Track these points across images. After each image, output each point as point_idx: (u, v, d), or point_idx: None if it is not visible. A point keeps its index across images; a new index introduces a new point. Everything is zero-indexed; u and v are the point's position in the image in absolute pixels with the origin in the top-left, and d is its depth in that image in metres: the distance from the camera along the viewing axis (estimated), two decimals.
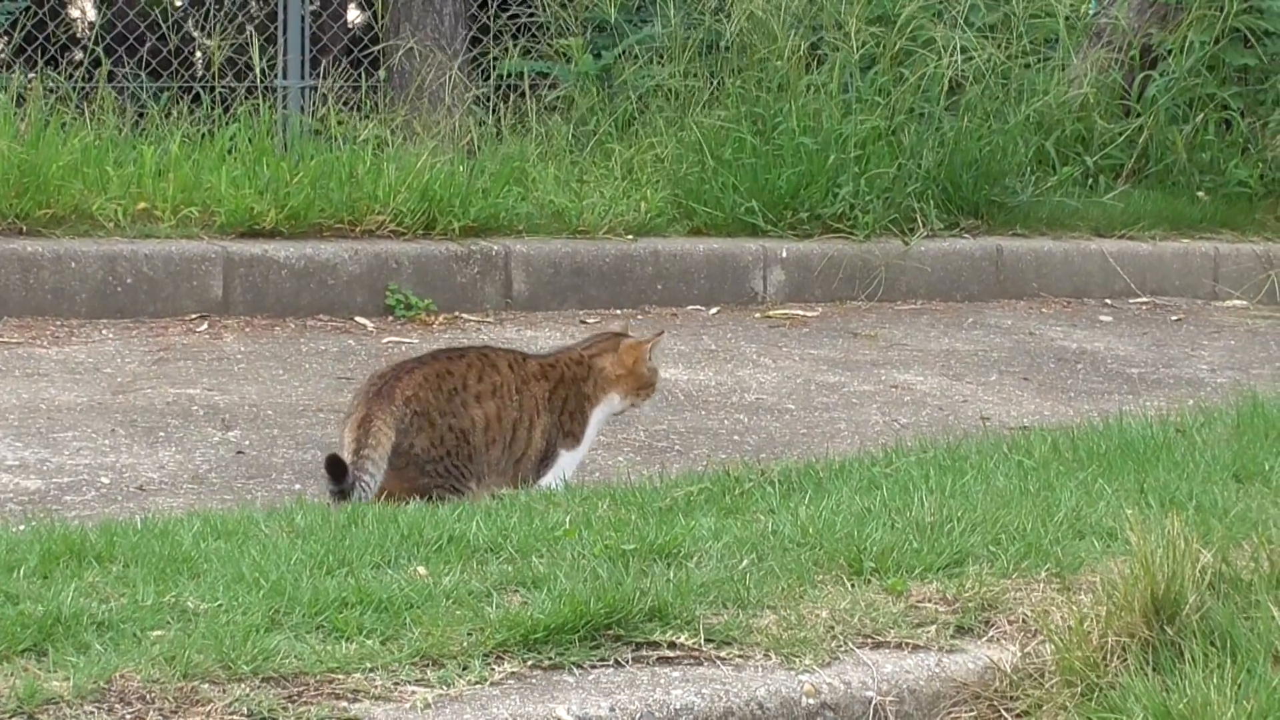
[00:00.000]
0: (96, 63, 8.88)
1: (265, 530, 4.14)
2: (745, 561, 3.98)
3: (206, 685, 3.29)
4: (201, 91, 9.11)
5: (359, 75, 9.72)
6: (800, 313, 8.27)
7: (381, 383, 4.92)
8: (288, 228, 7.80)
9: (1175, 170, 9.74)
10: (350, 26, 11.20)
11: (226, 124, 8.39)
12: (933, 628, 3.81)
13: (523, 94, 9.22)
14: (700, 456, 5.84)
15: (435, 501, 4.68)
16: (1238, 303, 9.09)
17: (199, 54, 10.68)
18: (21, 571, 3.72)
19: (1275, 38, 9.84)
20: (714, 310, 8.25)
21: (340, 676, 3.38)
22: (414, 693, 3.36)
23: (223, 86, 9.06)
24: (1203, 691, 3.51)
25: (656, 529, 4.12)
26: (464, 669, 3.46)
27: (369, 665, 3.42)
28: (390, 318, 7.71)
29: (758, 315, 8.20)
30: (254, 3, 10.80)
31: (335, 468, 4.69)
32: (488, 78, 9.62)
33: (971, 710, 3.71)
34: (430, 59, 9.44)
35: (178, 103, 8.72)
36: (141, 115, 8.66)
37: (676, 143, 8.82)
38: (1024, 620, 3.85)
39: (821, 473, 4.77)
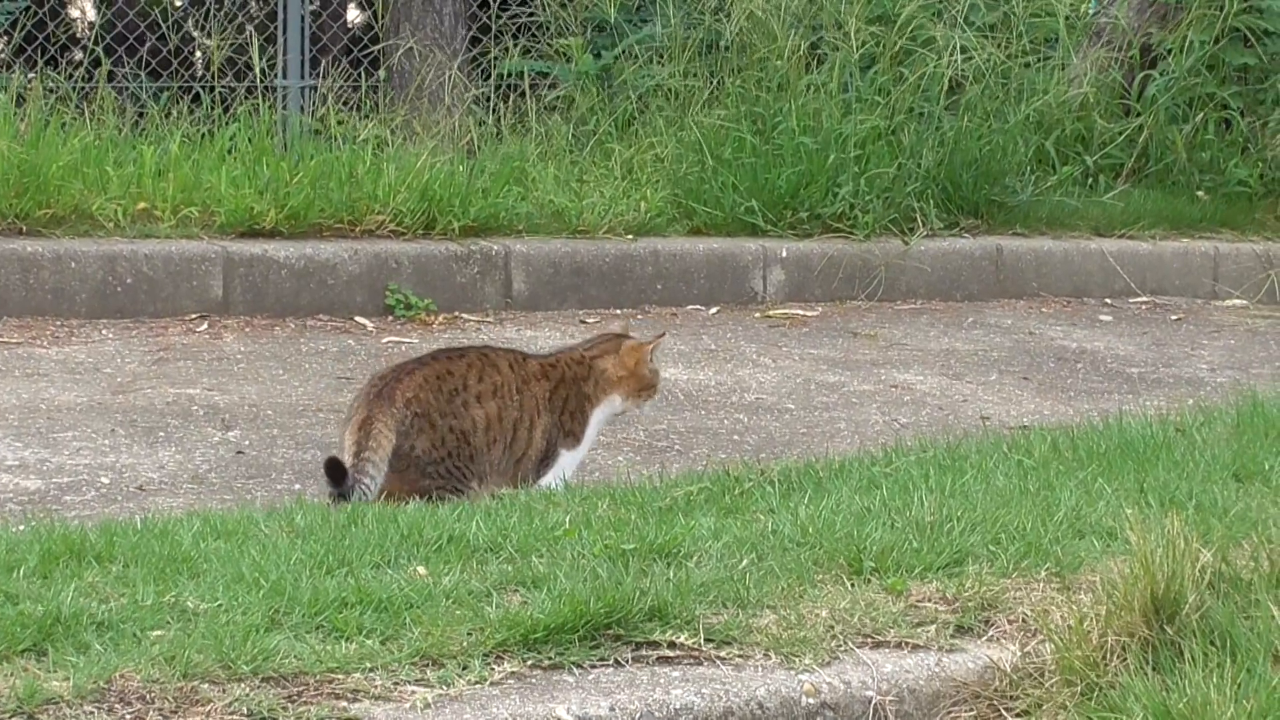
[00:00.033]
0: (96, 63, 8.88)
1: (265, 530, 4.14)
2: (745, 561, 3.98)
3: (206, 685, 3.29)
4: (201, 91, 9.11)
5: (359, 75, 9.72)
6: (800, 312, 8.27)
7: (382, 384, 4.91)
8: (287, 228, 7.80)
9: (1175, 170, 9.74)
10: (350, 26, 11.20)
11: (226, 124, 8.39)
12: (932, 627, 3.81)
13: (522, 94, 9.22)
14: (700, 456, 5.84)
15: (435, 502, 4.67)
16: (1237, 302, 9.09)
17: (199, 54, 10.68)
18: (21, 571, 3.72)
19: (1275, 37, 9.84)
20: (714, 310, 8.25)
21: (340, 676, 3.38)
22: (414, 692, 3.36)
23: (222, 86, 9.06)
24: (1202, 691, 3.51)
25: (656, 529, 4.12)
26: (464, 669, 3.46)
27: (369, 665, 3.42)
28: (390, 318, 7.71)
29: (757, 315, 8.20)
30: (254, 2, 10.80)
31: (334, 470, 4.69)
32: (488, 77, 9.62)
33: (971, 710, 3.71)
34: (430, 59, 9.44)
35: (177, 103, 8.72)
36: (141, 115, 8.66)
37: (676, 142, 8.82)
38: (1024, 620, 3.85)
39: (821, 472, 4.77)
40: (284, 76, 9.48)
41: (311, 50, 9.76)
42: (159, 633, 3.45)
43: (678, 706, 3.45)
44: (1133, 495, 4.52)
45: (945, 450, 5.08)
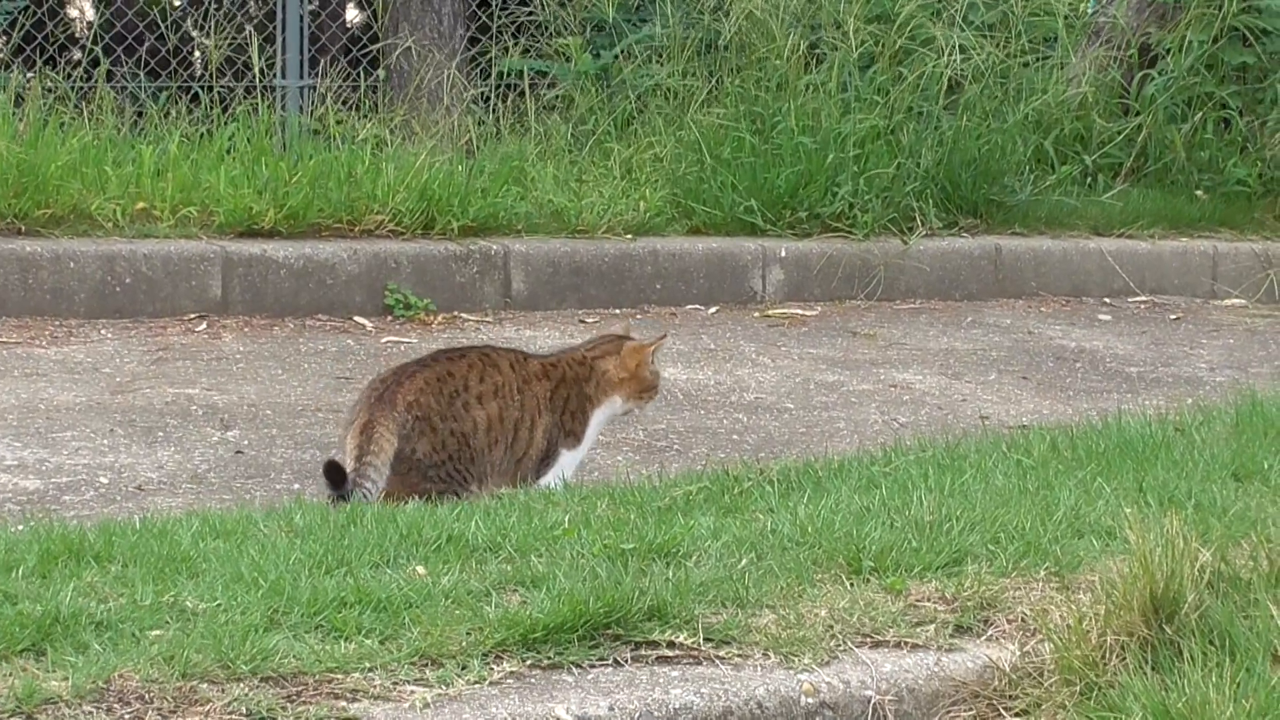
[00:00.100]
0: (95, 62, 8.88)
1: (264, 530, 4.14)
2: (744, 561, 3.98)
3: (205, 685, 3.29)
4: (200, 91, 9.11)
5: (358, 75, 9.72)
6: (799, 312, 8.27)
7: (383, 388, 4.91)
8: (286, 227, 7.80)
9: (1174, 169, 9.74)
10: (349, 26, 11.20)
11: (225, 124, 8.39)
12: (932, 627, 3.81)
13: (521, 93, 9.22)
14: (699, 456, 5.84)
15: (435, 501, 4.67)
16: (1236, 301, 9.09)
17: (198, 54, 10.68)
18: (20, 571, 3.72)
19: (1273, 37, 9.84)
20: (713, 310, 8.25)
21: (339, 676, 3.38)
22: (413, 692, 3.36)
23: (221, 86, 9.06)
24: (1201, 690, 3.51)
25: (655, 528, 4.12)
26: (463, 668, 3.46)
27: (368, 665, 3.42)
28: (389, 317, 7.71)
29: (757, 314, 8.20)
30: (252, 2, 10.80)
31: (333, 473, 4.70)
32: (487, 77, 9.62)
33: (970, 709, 3.71)
34: (429, 58, 9.44)
35: (176, 102, 8.72)
36: (140, 115, 8.66)
37: (675, 142, 8.82)
38: (1023, 619, 3.85)
39: (820, 472, 4.77)
40: (283, 76, 9.48)
41: (310, 50, 9.76)
42: (158, 632, 3.45)
43: (677, 706, 3.45)
44: (1132, 495, 4.52)
45: (944, 450, 5.08)
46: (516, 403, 5.00)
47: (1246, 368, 7.57)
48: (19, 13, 9.68)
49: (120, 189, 7.77)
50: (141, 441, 5.78)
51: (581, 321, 7.86)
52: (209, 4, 9.55)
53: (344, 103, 9.10)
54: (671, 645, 3.63)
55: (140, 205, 7.76)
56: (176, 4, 10.95)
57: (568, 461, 5.11)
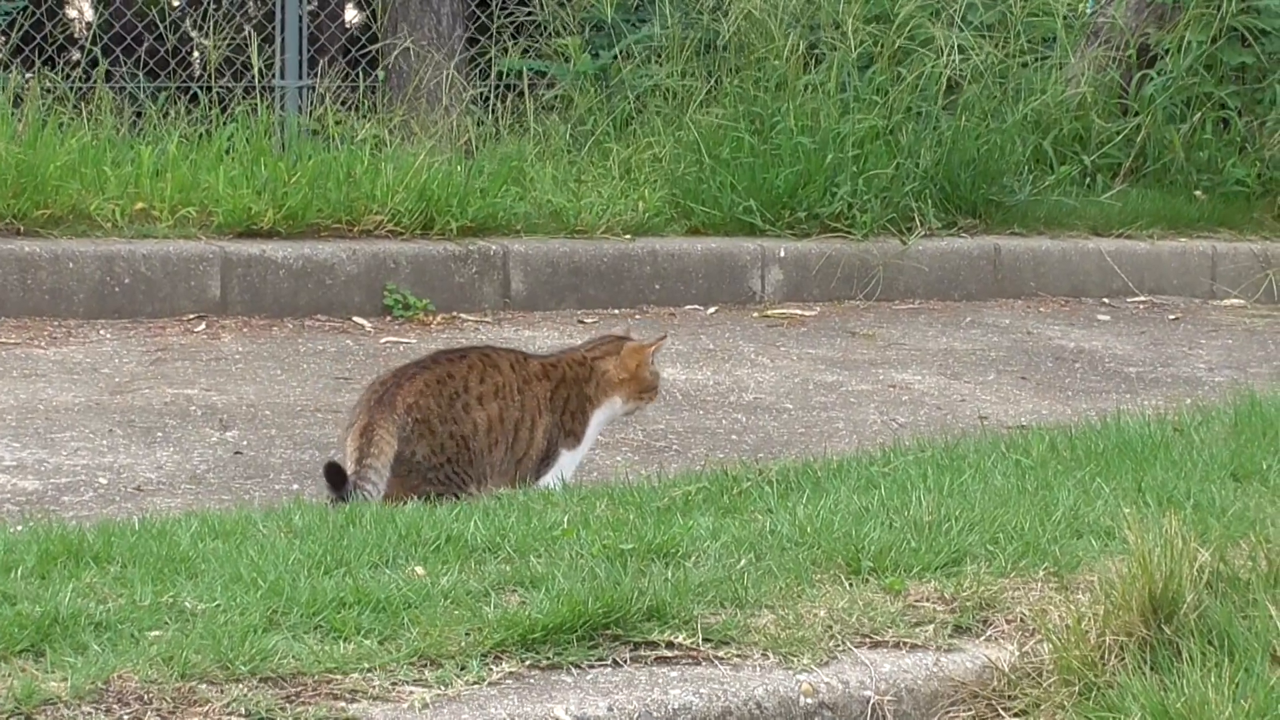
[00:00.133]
0: (94, 63, 8.88)
1: (263, 530, 4.14)
2: (743, 561, 3.98)
3: (204, 685, 3.29)
4: (199, 91, 9.11)
5: (357, 75, 9.73)
6: (798, 312, 8.27)
7: (383, 390, 4.91)
8: (285, 228, 7.80)
9: (1173, 169, 9.74)
10: (348, 26, 11.21)
11: (224, 124, 8.39)
12: (930, 627, 3.81)
13: (520, 93, 9.22)
14: (698, 456, 5.84)
15: (434, 502, 4.68)
16: (1235, 301, 9.09)
17: (196, 54, 10.68)
18: (19, 572, 3.72)
19: (1272, 37, 9.85)
20: (712, 310, 8.25)
21: (338, 677, 3.38)
22: (412, 693, 3.36)
23: (220, 86, 9.06)
24: (1200, 690, 3.51)
25: (654, 529, 4.12)
26: (462, 669, 3.46)
27: (367, 665, 3.42)
28: (388, 318, 7.71)
29: (756, 315, 8.20)
30: (252, 3, 10.80)
31: (334, 475, 4.70)
32: (486, 77, 9.62)
33: (969, 709, 3.71)
34: (428, 58, 9.44)
35: (175, 103, 8.72)
36: (139, 115, 8.66)
37: (674, 142, 8.82)
38: (1022, 619, 3.85)
39: (819, 472, 4.77)
40: (282, 76, 9.48)
41: (309, 50, 9.76)
42: (157, 633, 3.45)
43: (676, 706, 3.45)
44: (1130, 495, 4.52)
45: (943, 450, 5.08)
46: (517, 403, 5.01)
47: (1245, 368, 7.57)
48: (18, 13, 9.68)
49: (119, 189, 7.77)
50: (140, 442, 5.78)
51: (580, 322, 7.86)
52: (208, 4, 9.55)
53: (343, 103, 9.10)
54: (670, 645, 3.63)
55: (139, 205, 7.76)
56: (175, 4, 10.95)
57: (567, 462, 5.12)
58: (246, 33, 9.30)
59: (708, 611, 3.75)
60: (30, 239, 7.48)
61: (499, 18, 9.70)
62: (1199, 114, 9.74)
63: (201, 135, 8.32)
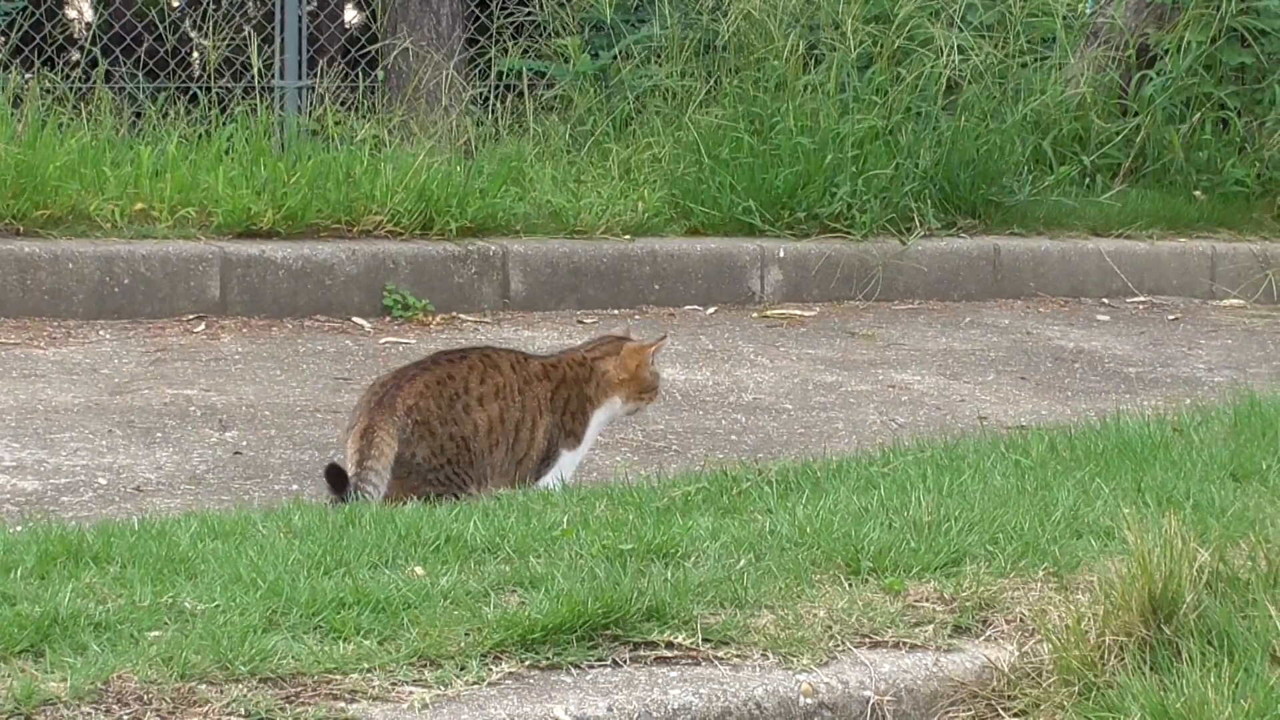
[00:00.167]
0: (94, 63, 8.88)
1: (263, 531, 4.14)
2: (743, 561, 3.98)
3: (204, 686, 3.29)
4: (199, 92, 9.11)
5: (356, 75, 9.73)
6: (798, 312, 8.27)
7: (383, 392, 4.91)
8: (285, 228, 7.80)
9: (1172, 169, 9.74)
10: (348, 27, 11.21)
11: (224, 124, 8.39)
12: (930, 627, 3.81)
13: (520, 94, 9.22)
14: (698, 456, 5.84)
15: (434, 502, 4.68)
16: (1235, 302, 9.09)
17: (196, 54, 10.68)
18: (19, 572, 3.72)
19: (1272, 37, 9.85)
20: (711, 310, 8.25)
21: (338, 677, 3.38)
22: (411, 693, 3.36)
23: (220, 87, 9.06)
24: (1200, 690, 3.51)
25: (654, 529, 4.12)
26: (461, 669, 3.46)
27: (366, 666, 3.42)
28: (388, 318, 7.71)
29: (755, 315, 8.20)
30: (251, 3, 10.80)
31: (335, 477, 4.70)
32: (485, 77, 9.62)
33: (969, 709, 3.71)
34: (427, 59, 9.44)
35: (175, 103, 8.72)
36: (139, 116, 8.66)
37: (674, 142, 8.82)
38: (1021, 619, 3.85)
39: (819, 472, 4.77)
40: (281, 77, 9.48)
41: (309, 51, 9.76)
42: (156, 633, 3.45)
43: (675, 707, 3.45)
44: (1130, 495, 4.52)
45: (943, 450, 5.08)
46: (518, 403, 5.01)
47: (1245, 368, 7.57)
48: (17, 13, 9.68)
49: (119, 190, 7.77)
50: (140, 442, 5.78)
51: (580, 322, 7.86)
52: (207, 4, 9.55)
53: (342, 103, 9.10)
54: (670, 646, 3.63)
55: (139, 206, 7.76)
56: (175, 4, 10.95)
57: (567, 462, 5.12)
58: (246, 33, 9.30)
59: (707, 612, 3.75)
60: (30, 239, 7.48)
61: (498, 18, 9.70)
62: (1198, 114, 9.74)
63: (201, 135, 8.32)
